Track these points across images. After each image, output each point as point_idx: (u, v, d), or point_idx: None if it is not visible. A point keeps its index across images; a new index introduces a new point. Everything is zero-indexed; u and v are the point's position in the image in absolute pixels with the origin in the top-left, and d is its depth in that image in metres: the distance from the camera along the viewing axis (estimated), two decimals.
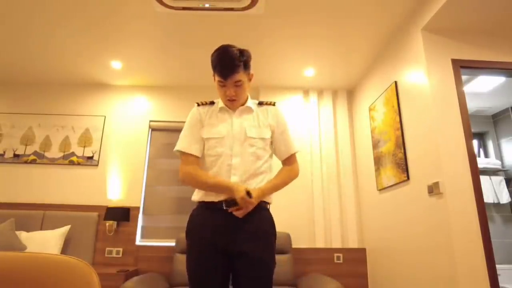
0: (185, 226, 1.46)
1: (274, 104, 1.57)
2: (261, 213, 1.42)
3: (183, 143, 1.47)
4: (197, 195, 1.46)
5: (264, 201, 1.44)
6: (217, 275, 1.32)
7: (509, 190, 3.88)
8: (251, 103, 1.54)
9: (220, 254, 1.34)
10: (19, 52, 3.27)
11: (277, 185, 1.47)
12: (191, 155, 1.45)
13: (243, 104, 1.51)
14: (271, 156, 1.53)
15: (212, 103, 1.55)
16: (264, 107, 1.55)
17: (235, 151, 1.42)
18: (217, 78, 1.43)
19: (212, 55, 1.43)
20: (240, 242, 1.34)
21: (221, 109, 1.51)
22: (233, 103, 1.47)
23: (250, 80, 1.50)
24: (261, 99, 1.60)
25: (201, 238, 1.37)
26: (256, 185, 1.40)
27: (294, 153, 1.58)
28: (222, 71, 1.39)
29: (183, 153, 1.47)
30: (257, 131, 1.47)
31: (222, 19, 2.71)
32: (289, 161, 1.57)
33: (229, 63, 1.38)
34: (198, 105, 1.55)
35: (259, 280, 1.31)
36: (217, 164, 1.41)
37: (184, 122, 1.61)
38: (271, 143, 1.55)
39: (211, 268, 1.32)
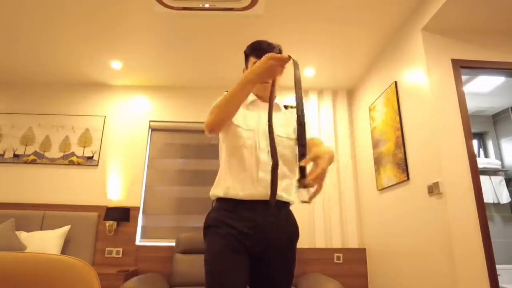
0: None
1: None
2: (288, 212, 1.33)
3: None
4: (220, 188, 1.29)
5: (288, 201, 1.32)
6: (241, 273, 1.17)
7: (509, 190, 3.88)
8: (278, 101, 1.45)
9: (246, 253, 1.21)
10: (19, 52, 3.27)
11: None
12: None
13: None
14: (296, 160, 1.36)
15: None
16: (289, 110, 1.47)
17: (262, 146, 1.29)
18: (254, 60, 1.36)
19: (248, 47, 1.42)
20: (272, 245, 1.23)
21: (252, 102, 1.41)
22: (267, 88, 1.36)
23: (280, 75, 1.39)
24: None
25: (228, 232, 1.21)
26: (281, 191, 1.26)
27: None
28: (262, 51, 1.33)
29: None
30: (285, 130, 1.36)
31: (222, 19, 2.71)
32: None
33: (268, 46, 1.38)
34: None
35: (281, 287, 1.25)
36: (244, 154, 1.27)
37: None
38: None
39: (236, 266, 1.17)
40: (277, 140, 1.27)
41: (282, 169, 1.28)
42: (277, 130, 1.31)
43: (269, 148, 1.21)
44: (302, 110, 1.12)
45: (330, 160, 1.06)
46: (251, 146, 1.29)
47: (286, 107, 1.48)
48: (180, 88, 3.94)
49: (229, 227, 1.21)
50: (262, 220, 1.21)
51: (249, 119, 1.35)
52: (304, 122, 1.10)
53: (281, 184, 1.26)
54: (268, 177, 1.22)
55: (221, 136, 1.40)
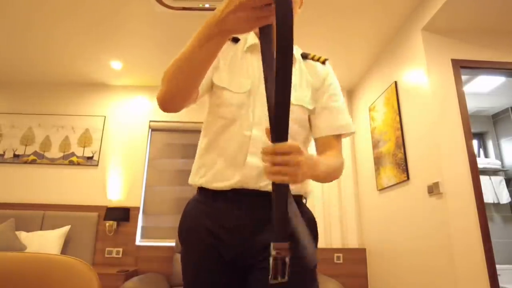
0: None
1: (324, 62, 1.03)
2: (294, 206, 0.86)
3: None
4: (197, 176, 0.96)
5: (300, 194, 0.94)
6: None
7: (509, 190, 3.88)
8: (294, 48, 0.89)
9: (229, 267, 0.88)
10: (19, 52, 3.27)
11: (330, 167, 0.88)
12: None
13: None
14: (309, 139, 1.02)
15: (235, 40, 1.01)
16: (310, 62, 1.02)
17: (257, 116, 0.90)
18: None
19: None
20: (260, 249, 0.84)
21: (250, 47, 0.98)
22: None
23: (300, 5, 0.97)
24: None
25: (199, 242, 0.90)
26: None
27: (342, 135, 0.99)
28: None
29: None
30: (298, 94, 0.94)
31: None
32: (331, 146, 0.96)
33: None
34: None
35: None
36: (228, 131, 0.92)
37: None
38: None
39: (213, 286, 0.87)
40: None
41: None
42: None
43: (268, 121, 0.77)
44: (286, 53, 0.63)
45: (312, 166, 0.71)
46: (241, 116, 0.91)
47: (306, 56, 1.03)
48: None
49: (206, 232, 0.90)
50: (255, 217, 0.89)
51: (244, 74, 0.94)
52: (287, 70, 0.62)
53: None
54: (260, 163, 0.84)
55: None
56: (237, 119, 0.91)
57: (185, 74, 0.82)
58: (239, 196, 0.88)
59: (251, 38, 0.99)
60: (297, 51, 1.02)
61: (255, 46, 0.97)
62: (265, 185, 0.87)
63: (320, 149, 0.98)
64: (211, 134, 0.96)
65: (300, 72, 0.98)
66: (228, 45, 0.98)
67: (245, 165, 0.88)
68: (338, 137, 0.99)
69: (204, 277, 0.87)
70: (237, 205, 0.88)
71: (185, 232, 0.94)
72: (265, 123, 0.85)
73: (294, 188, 0.88)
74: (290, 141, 0.64)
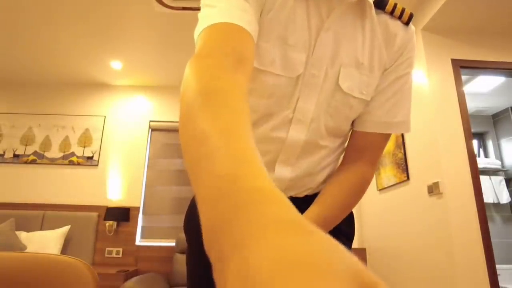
0: None
1: (408, 21, 0.64)
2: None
3: (214, 11, 0.51)
4: None
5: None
6: None
7: (509, 190, 3.88)
8: None
9: None
10: (19, 52, 3.27)
11: (330, 226, 0.65)
12: (240, 27, 0.48)
13: None
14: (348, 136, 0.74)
15: None
16: (385, 18, 0.63)
17: (300, 111, 0.63)
18: None
19: None
20: None
21: None
22: None
23: None
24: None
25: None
26: (305, 191, 0.71)
27: (383, 139, 0.69)
28: None
29: (209, 29, 0.49)
30: (363, 80, 0.63)
31: None
32: (367, 148, 0.69)
33: None
34: None
35: None
36: (257, 130, 0.65)
37: None
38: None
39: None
40: (340, 100, 0.63)
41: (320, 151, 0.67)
42: (344, 80, 0.62)
43: (314, 115, 0.62)
44: None
45: None
46: (279, 110, 0.63)
47: (381, 5, 0.63)
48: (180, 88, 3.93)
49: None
50: None
51: (298, 43, 0.59)
52: None
53: (302, 189, 0.71)
54: (290, 174, 0.67)
55: None
56: (274, 114, 0.63)
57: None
58: None
59: None
60: None
61: None
62: (294, 194, 0.70)
63: (354, 148, 0.69)
64: None
65: (372, 42, 0.62)
66: None
67: (272, 177, 0.63)
68: (388, 137, 0.69)
69: (208, 281, 0.67)
70: None
71: (190, 232, 0.79)
72: (309, 120, 0.63)
73: (314, 186, 0.71)
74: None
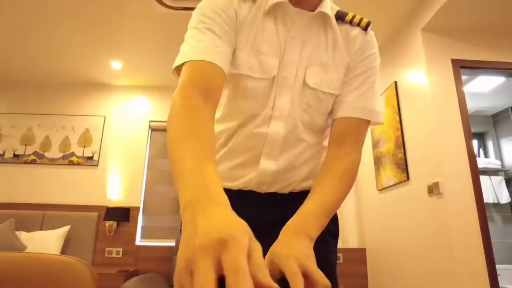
0: None
1: (366, 28, 0.76)
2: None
3: (190, 49, 0.66)
4: None
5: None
6: None
7: (509, 190, 3.88)
8: (328, 7, 0.74)
9: None
10: (19, 52, 3.27)
11: (332, 210, 0.67)
12: (208, 63, 0.64)
13: (314, 7, 0.72)
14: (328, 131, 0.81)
15: None
16: (345, 27, 0.76)
17: (279, 108, 0.72)
18: None
19: None
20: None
21: (271, 10, 0.72)
22: None
23: None
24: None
25: None
26: (290, 185, 0.78)
27: (368, 123, 0.75)
28: None
29: (188, 65, 0.65)
30: (328, 76, 0.74)
31: None
32: (350, 134, 0.74)
33: None
34: None
35: None
36: (242, 129, 0.75)
37: None
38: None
39: None
40: (309, 96, 0.73)
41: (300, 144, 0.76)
42: (310, 77, 0.72)
43: (290, 111, 0.72)
44: None
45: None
46: (260, 110, 0.73)
47: (342, 16, 0.76)
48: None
49: None
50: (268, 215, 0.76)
51: (269, 51, 0.71)
52: None
53: (287, 182, 0.77)
54: (274, 167, 0.74)
55: None
56: (258, 113, 0.72)
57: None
58: (246, 195, 0.77)
59: None
60: (332, 9, 0.75)
61: (279, 8, 0.71)
62: (278, 189, 0.77)
63: (335, 136, 0.74)
64: (223, 131, 0.78)
65: (334, 45, 0.74)
66: (249, 4, 0.72)
67: (257, 170, 0.74)
68: (365, 124, 0.75)
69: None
70: (245, 205, 0.69)
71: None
72: (286, 116, 0.72)
73: (298, 180, 0.78)
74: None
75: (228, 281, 0.30)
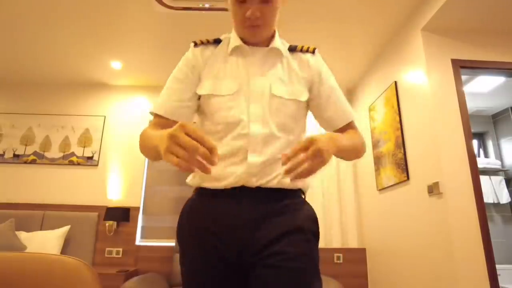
0: None
1: (313, 51, 1.04)
2: (294, 202, 0.93)
3: (156, 103, 0.98)
4: (193, 178, 0.96)
5: (299, 189, 0.97)
6: None
7: (509, 190, 3.88)
8: (279, 43, 1.00)
9: (231, 267, 0.86)
10: (19, 53, 3.27)
11: (353, 140, 0.98)
12: (159, 116, 0.96)
13: (268, 42, 0.99)
14: (304, 129, 1.03)
15: (217, 41, 1.02)
16: (298, 54, 1.02)
17: (254, 113, 0.91)
18: None
19: None
20: (262, 245, 0.84)
21: (234, 50, 0.98)
22: (256, 31, 0.93)
23: (284, 1, 0.98)
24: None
25: (200, 244, 0.88)
26: (276, 177, 0.90)
27: (353, 121, 1.05)
28: None
29: (156, 114, 0.98)
30: (288, 88, 0.96)
31: (222, 19, 2.71)
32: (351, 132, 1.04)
33: None
34: (196, 44, 1.01)
35: None
36: (227, 134, 0.92)
37: None
38: (306, 109, 1.04)
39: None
40: (276, 103, 0.93)
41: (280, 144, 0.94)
42: (276, 89, 0.94)
43: (263, 115, 0.91)
44: None
45: (328, 147, 0.78)
46: (237, 117, 0.91)
47: (293, 49, 1.03)
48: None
49: (205, 232, 0.89)
50: (253, 214, 0.90)
51: (230, 77, 0.95)
52: None
53: (272, 175, 0.91)
54: (259, 159, 0.88)
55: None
56: (232, 121, 0.91)
57: (149, 155, 0.94)
58: (239, 193, 0.88)
59: (234, 40, 0.99)
60: (284, 46, 1.03)
61: (238, 48, 0.98)
62: (266, 182, 0.89)
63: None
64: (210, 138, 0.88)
65: (289, 67, 1.00)
66: (211, 50, 1.01)
67: (246, 164, 0.88)
68: (352, 122, 1.04)
69: (207, 281, 0.85)
70: (237, 201, 0.88)
71: (183, 234, 0.92)
72: (261, 119, 0.91)
73: (291, 184, 0.91)
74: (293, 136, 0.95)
75: (194, 136, 0.62)
